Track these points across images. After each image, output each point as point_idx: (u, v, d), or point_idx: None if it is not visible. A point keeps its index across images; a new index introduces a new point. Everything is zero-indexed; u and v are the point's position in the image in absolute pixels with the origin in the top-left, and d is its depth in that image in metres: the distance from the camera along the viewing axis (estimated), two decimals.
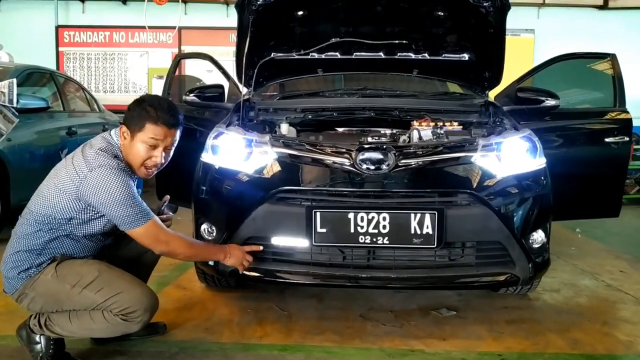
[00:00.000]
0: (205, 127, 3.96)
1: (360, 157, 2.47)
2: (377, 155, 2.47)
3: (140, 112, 2.17)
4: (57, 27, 8.79)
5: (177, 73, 5.08)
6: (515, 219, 2.55)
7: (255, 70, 3.31)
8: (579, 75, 4.88)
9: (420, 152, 2.55)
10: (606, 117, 4.04)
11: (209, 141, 2.83)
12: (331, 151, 2.54)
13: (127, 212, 2.07)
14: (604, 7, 8.67)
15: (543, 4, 8.59)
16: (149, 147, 2.18)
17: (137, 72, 8.86)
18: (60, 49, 8.85)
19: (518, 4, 8.54)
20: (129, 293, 2.10)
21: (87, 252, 2.23)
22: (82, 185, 2.06)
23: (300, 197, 2.50)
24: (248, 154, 2.66)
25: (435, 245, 2.42)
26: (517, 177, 2.61)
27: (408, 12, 3.30)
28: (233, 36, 8.68)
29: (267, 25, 3.26)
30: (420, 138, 2.91)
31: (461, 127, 3.06)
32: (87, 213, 2.12)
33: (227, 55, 8.65)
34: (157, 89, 8.83)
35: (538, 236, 2.67)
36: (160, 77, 8.78)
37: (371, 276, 2.49)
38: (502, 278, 2.57)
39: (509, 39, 8.67)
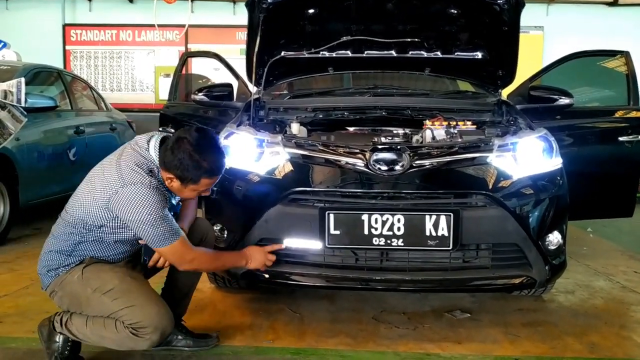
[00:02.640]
0: (213, 127, 3.95)
1: (374, 157, 2.43)
2: (391, 156, 2.43)
3: (193, 166, 2.07)
4: (64, 26, 8.81)
5: (184, 71, 5.06)
6: (531, 220, 2.50)
7: (266, 69, 3.25)
8: (589, 73, 4.82)
9: (435, 153, 2.51)
10: (620, 115, 3.99)
11: (220, 141, 2.79)
12: (344, 152, 2.50)
13: (154, 232, 2.05)
14: (614, 3, 8.61)
15: (552, 1, 8.54)
16: (198, 191, 2.19)
17: (144, 71, 8.86)
18: (67, 47, 8.87)
19: (527, 0, 8.48)
20: (143, 308, 2.06)
21: (119, 255, 2.21)
22: (112, 199, 2.04)
23: (313, 198, 2.46)
24: (259, 154, 2.63)
25: (450, 248, 2.38)
26: (534, 178, 2.57)
27: (420, 9, 3.26)
28: (240, 34, 8.69)
29: (278, 23, 3.23)
30: (433, 138, 2.87)
31: (475, 126, 3.01)
32: (117, 222, 2.10)
33: (234, 54, 8.63)
34: (164, 87, 8.82)
35: (554, 238, 2.62)
36: (167, 76, 8.76)
37: (385, 278, 2.45)
38: (518, 281, 2.52)
39: None
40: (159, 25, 8.56)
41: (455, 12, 3.23)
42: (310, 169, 2.53)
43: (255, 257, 2.39)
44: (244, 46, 9.02)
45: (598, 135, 4.04)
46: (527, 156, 2.61)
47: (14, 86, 4.72)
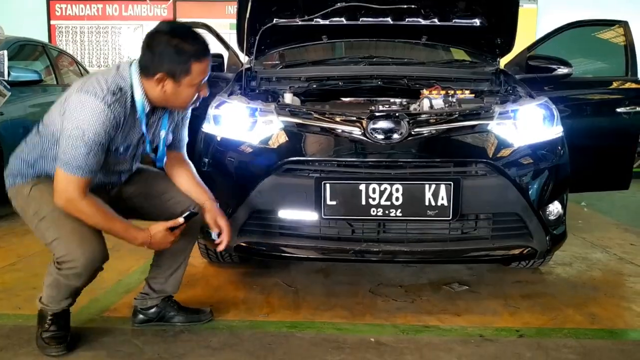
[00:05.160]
0: (203, 99, 3.84)
1: (372, 125, 2.35)
2: (389, 124, 2.34)
3: (176, 52, 1.89)
4: (49, 0, 8.57)
5: None
6: (532, 189, 2.44)
7: (257, 38, 3.15)
8: (585, 44, 4.73)
9: (434, 120, 2.43)
10: (617, 86, 3.92)
11: (211, 110, 2.69)
12: (341, 120, 2.42)
13: (69, 149, 1.87)
14: None
15: None
16: (196, 85, 1.99)
17: (131, 46, 8.66)
18: (52, 22, 8.65)
19: None
20: (67, 240, 1.95)
21: None
22: (65, 103, 1.93)
23: (308, 168, 2.38)
24: (252, 124, 2.53)
25: (450, 218, 2.32)
26: (535, 146, 2.50)
27: None
28: (230, 8, 8.51)
29: None
30: (431, 107, 2.79)
31: (473, 95, 2.93)
32: None
33: (224, 28, 8.45)
34: None
35: (555, 208, 2.57)
36: None
37: (383, 250, 2.39)
38: (518, 251, 2.47)
39: None
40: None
41: None
42: (305, 137, 2.44)
43: (157, 240, 2.09)
44: (234, 20, 8.84)
45: (595, 107, 3.97)
46: (528, 124, 2.53)
47: None
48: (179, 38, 1.90)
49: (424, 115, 2.47)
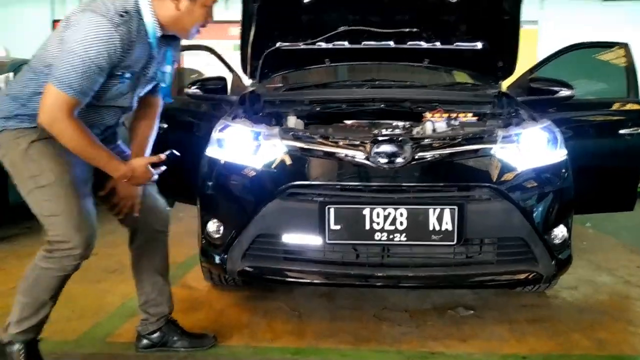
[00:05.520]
0: (206, 121, 3.85)
1: (375, 149, 2.35)
2: (392, 148, 2.34)
3: None
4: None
5: (176, 66, 4.93)
6: (537, 213, 2.43)
7: (260, 61, 3.17)
8: (586, 66, 4.76)
9: (438, 144, 2.43)
10: (619, 108, 3.93)
11: (215, 134, 2.70)
12: (344, 144, 2.42)
13: (67, 66, 1.76)
14: None
15: None
16: (209, 7, 1.96)
17: None
18: None
19: None
20: (66, 219, 1.89)
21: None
22: (67, 27, 1.81)
23: (312, 192, 2.38)
24: (256, 147, 2.53)
25: (455, 242, 2.30)
26: (539, 170, 2.49)
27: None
28: (233, 29, 8.58)
29: (272, 13, 3.14)
30: (434, 130, 2.79)
31: (476, 118, 2.93)
32: None
33: (227, 49, 8.50)
34: None
35: (560, 231, 2.55)
36: None
37: (387, 275, 2.37)
38: (524, 276, 2.44)
39: None
40: None
41: (455, 1, 3.14)
42: (309, 161, 2.44)
43: (136, 177, 2.02)
44: (237, 42, 8.89)
45: (598, 128, 3.98)
46: (531, 147, 2.53)
47: (2, 82, 4.61)
48: None
49: (427, 139, 2.47)
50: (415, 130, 2.81)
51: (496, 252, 2.41)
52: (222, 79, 3.74)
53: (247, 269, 2.44)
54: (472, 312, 2.80)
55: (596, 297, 3.11)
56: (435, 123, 2.82)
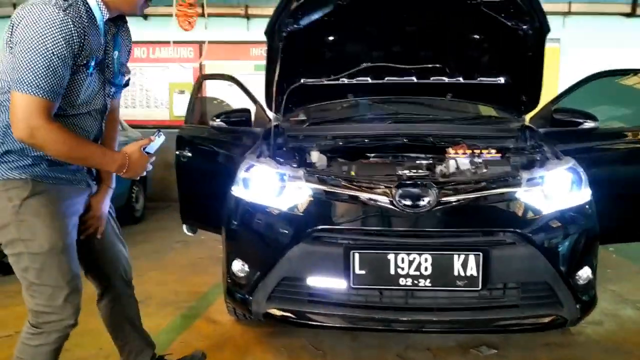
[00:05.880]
0: (227, 149, 3.91)
1: (400, 194, 2.37)
2: (417, 192, 2.36)
3: None
4: None
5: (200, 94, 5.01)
6: (562, 257, 2.43)
7: (284, 97, 3.21)
8: (606, 91, 4.73)
9: (462, 188, 2.44)
10: None
11: (240, 174, 2.75)
12: (368, 187, 2.44)
13: (26, 66, 1.60)
14: (631, 14, 8.47)
15: (569, 13, 8.41)
16: None
17: (158, 87, 8.86)
18: None
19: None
20: (55, 290, 1.79)
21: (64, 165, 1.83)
22: (13, 28, 1.66)
23: (337, 236, 2.41)
24: (281, 189, 2.57)
25: (480, 288, 2.31)
26: (563, 213, 2.49)
27: (442, 35, 3.20)
28: (254, 50, 8.67)
29: (297, 50, 3.18)
30: (457, 168, 2.81)
31: (499, 154, 2.93)
32: None
33: (248, 69, 8.61)
34: (178, 103, 8.82)
35: (585, 273, 2.54)
36: (182, 92, 8.77)
37: (411, 319, 2.39)
38: (548, 319, 2.44)
39: None
40: (176, 42, 8.60)
41: (478, 37, 3.17)
42: (334, 205, 2.48)
43: (134, 166, 1.89)
44: (259, 62, 9.02)
45: (624, 156, 3.93)
46: (556, 189, 2.53)
47: None
48: None
49: (451, 183, 2.48)
50: (438, 169, 2.83)
51: (520, 296, 2.41)
52: (246, 111, 3.81)
53: (273, 311, 2.47)
54: (495, 351, 2.79)
55: (621, 335, 3.08)
56: (459, 160, 2.84)
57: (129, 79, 2.07)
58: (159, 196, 7.74)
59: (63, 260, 1.81)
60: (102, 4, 1.78)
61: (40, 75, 1.61)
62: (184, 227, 4.37)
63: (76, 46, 1.68)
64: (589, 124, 3.45)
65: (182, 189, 4.26)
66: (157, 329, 3.13)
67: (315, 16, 3.02)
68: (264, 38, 7.56)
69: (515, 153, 2.99)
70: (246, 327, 3.10)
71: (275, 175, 2.61)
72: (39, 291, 1.79)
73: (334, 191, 2.48)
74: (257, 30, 8.86)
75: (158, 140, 1.97)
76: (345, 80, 3.33)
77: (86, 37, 1.72)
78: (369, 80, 3.34)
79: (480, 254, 2.28)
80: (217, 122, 3.74)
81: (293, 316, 2.45)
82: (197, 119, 4.79)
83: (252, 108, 4.11)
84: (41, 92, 1.62)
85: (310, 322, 2.46)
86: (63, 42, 1.63)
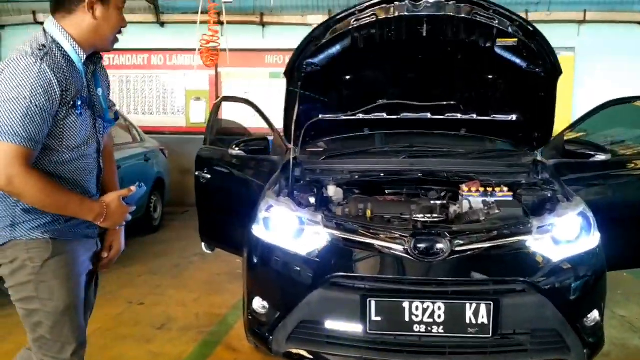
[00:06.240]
0: (240, 170, 4.03)
1: (415, 243, 2.47)
2: (431, 242, 2.47)
3: None
4: None
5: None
6: (571, 304, 2.53)
7: (302, 132, 3.32)
8: (621, 114, 4.76)
9: (475, 239, 2.54)
10: None
11: (261, 213, 2.87)
12: (385, 237, 2.54)
13: (3, 115, 1.66)
14: None
15: (584, 21, 8.39)
16: (121, 10, 1.91)
17: (175, 94, 8.99)
18: None
19: (558, 21, 8.38)
20: (64, 345, 1.86)
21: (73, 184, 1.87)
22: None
23: (354, 283, 2.52)
24: (300, 231, 2.69)
25: (490, 335, 2.42)
26: (573, 260, 2.58)
27: (456, 74, 3.28)
28: (269, 57, 8.77)
29: (315, 88, 3.28)
30: (471, 208, 2.91)
31: (511, 193, 3.02)
32: None
33: (263, 77, 8.72)
34: (194, 110, 8.95)
35: (592, 316, 2.64)
36: (198, 99, 8.91)
37: None
38: None
39: None
40: (191, 50, 8.72)
41: (492, 77, 3.25)
42: (352, 252, 2.59)
43: (112, 215, 1.89)
44: (274, 69, 9.11)
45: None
46: (565, 236, 2.62)
47: None
48: None
49: (465, 233, 2.57)
50: (452, 209, 2.93)
51: (530, 341, 2.51)
52: (265, 140, 3.94)
53: (292, 351, 2.59)
54: None
55: None
56: (472, 200, 2.94)
57: (117, 112, 2.12)
58: (176, 201, 7.89)
59: (75, 319, 1.90)
60: (77, 45, 1.83)
61: (18, 124, 1.66)
62: (203, 245, 4.53)
63: (57, 94, 1.73)
64: (600, 157, 3.52)
65: (201, 209, 4.40)
66: (181, 356, 3.28)
67: (333, 57, 3.11)
68: (279, 46, 7.85)
69: (526, 190, 3.08)
70: (264, 355, 3.22)
71: (295, 219, 2.72)
72: (48, 345, 1.87)
73: (351, 238, 2.59)
74: (273, 38, 9.00)
75: (139, 191, 1.96)
76: (362, 116, 3.43)
77: (68, 81, 1.77)
78: (385, 115, 3.44)
79: (492, 303, 2.39)
80: (236, 151, 3.87)
81: (311, 357, 2.57)
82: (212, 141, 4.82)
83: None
84: (19, 139, 1.66)
85: None
86: (41, 91, 1.69)
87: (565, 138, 3.83)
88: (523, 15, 8.25)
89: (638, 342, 3.54)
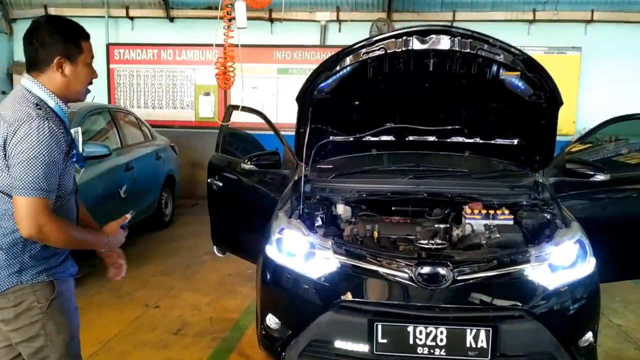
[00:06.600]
0: (246, 176, 4.19)
1: (419, 271, 2.64)
2: (434, 271, 2.63)
3: (65, 36, 1.99)
4: (108, 45, 9.08)
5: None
6: (565, 329, 2.69)
7: (313, 152, 3.47)
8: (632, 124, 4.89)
9: (476, 268, 2.70)
10: None
11: (274, 235, 3.04)
12: (391, 265, 2.71)
13: (28, 173, 1.84)
14: None
15: (591, 21, 8.43)
16: (90, 64, 2.08)
17: (184, 89, 9.12)
18: (111, 65, 9.16)
19: (564, 20, 8.44)
20: None
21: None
22: (9, 142, 1.87)
23: (362, 308, 2.69)
24: (310, 254, 2.86)
25: (489, 358, 2.59)
26: (569, 286, 2.74)
27: (462, 101, 3.42)
28: (277, 53, 8.87)
29: (325, 112, 3.42)
30: (472, 231, 3.08)
31: (512, 216, 3.18)
32: None
33: (271, 73, 8.83)
34: (203, 105, 9.07)
35: (587, 338, 2.81)
36: (207, 94, 9.03)
37: None
38: None
39: (554, 58, 8.60)
40: (198, 45, 8.83)
41: (496, 105, 3.38)
42: (360, 279, 2.75)
43: (114, 241, 2.18)
44: (282, 65, 9.21)
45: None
46: (562, 263, 2.78)
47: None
48: (59, 22, 2.03)
49: (466, 262, 2.73)
50: (455, 233, 3.10)
51: None
52: (276, 154, 4.09)
53: None
54: None
55: None
56: (474, 224, 3.11)
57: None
58: (186, 193, 8.09)
59: (76, 346, 2.11)
60: (59, 100, 2.01)
61: (41, 179, 1.85)
62: (215, 248, 4.72)
63: (63, 148, 1.92)
64: (599, 177, 3.67)
65: (213, 215, 4.58)
66: None
67: (343, 85, 3.25)
68: (287, 41, 8.00)
69: (527, 212, 3.24)
70: None
71: (306, 243, 2.89)
72: None
73: (360, 265, 2.76)
74: (281, 34, 9.08)
75: (131, 217, 2.26)
76: (370, 138, 3.58)
77: (64, 135, 1.95)
78: (392, 138, 3.58)
79: (490, 329, 2.56)
80: (249, 165, 4.04)
81: None
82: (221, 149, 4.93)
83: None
84: (42, 192, 1.86)
85: None
86: (55, 147, 1.88)
87: (567, 157, 3.98)
88: (530, 14, 8.43)
89: (633, 352, 3.71)
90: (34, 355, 2.02)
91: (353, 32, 8.75)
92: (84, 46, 2.04)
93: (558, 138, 3.42)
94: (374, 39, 3.01)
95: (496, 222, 3.13)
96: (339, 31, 8.96)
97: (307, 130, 3.40)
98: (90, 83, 2.10)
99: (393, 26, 8.46)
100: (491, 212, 3.19)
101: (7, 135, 1.87)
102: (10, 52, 9.48)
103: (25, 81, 2.01)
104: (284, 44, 8.86)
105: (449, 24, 8.58)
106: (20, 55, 8.82)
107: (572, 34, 8.47)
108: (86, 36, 2.06)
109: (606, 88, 8.40)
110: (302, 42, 8.91)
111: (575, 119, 8.45)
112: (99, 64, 8.49)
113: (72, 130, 4.96)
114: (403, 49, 2.96)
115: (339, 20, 8.88)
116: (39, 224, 1.85)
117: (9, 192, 1.89)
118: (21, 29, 9.33)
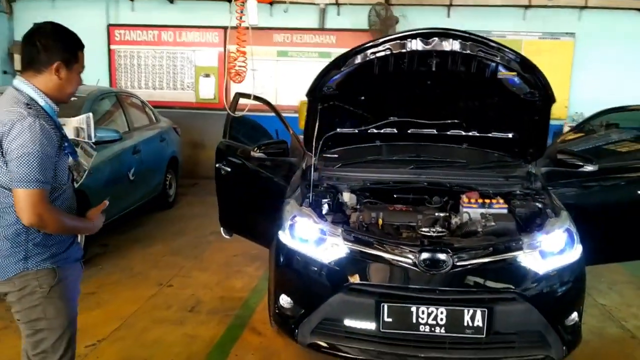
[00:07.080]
0: (252, 162, 4.41)
1: (422, 257, 2.90)
2: (436, 257, 2.90)
3: (67, 44, 2.19)
4: (109, 26, 9.18)
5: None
6: (553, 310, 2.97)
7: (321, 142, 3.70)
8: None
9: (473, 254, 2.96)
10: None
11: (286, 222, 3.28)
12: (396, 251, 2.97)
13: (24, 168, 2.01)
14: None
15: (585, 7, 8.62)
16: (80, 73, 2.28)
17: (185, 70, 9.25)
18: (112, 46, 9.26)
19: (559, 6, 8.61)
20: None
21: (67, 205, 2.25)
22: (5, 139, 2.04)
23: (369, 290, 2.96)
24: (321, 240, 3.11)
25: (484, 335, 2.87)
26: (557, 271, 3.01)
27: (461, 97, 3.65)
28: (277, 36, 9.01)
29: (333, 106, 3.65)
30: (470, 220, 3.34)
31: (506, 205, 3.44)
32: None
33: (271, 55, 8.98)
34: (203, 86, 9.22)
35: (572, 318, 3.09)
36: (207, 76, 9.17)
37: (427, 356, 2.95)
38: (539, 357, 2.99)
39: (548, 43, 8.78)
40: (199, 27, 8.94)
41: (492, 101, 3.62)
42: (367, 263, 3.01)
43: (98, 224, 2.36)
44: (282, 48, 9.38)
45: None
46: (551, 250, 3.05)
47: (84, 122, 5.18)
48: (62, 33, 2.21)
49: (465, 249, 2.99)
50: (454, 221, 3.36)
51: (517, 340, 2.96)
52: (284, 143, 4.31)
53: (316, 342, 3.05)
54: None
55: (603, 356, 3.64)
56: (471, 212, 3.37)
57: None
58: (187, 173, 8.31)
59: (73, 332, 2.30)
60: (49, 100, 2.18)
61: (36, 172, 2.02)
62: (222, 230, 4.94)
63: (55, 142, 2.10)
64: (588, 168, 3.92)
65: (221, 198, 4.80)
66: (214, 339, 3.75)
67: (350, 81, 3.47)
68: (287, 24, 8.15)
69: (520, 201, 3.50)
70: (287, 341, 3.66)
71: (317, 230, 3.14)
72: (48, 357, 2.24)
73: (367, 251, 3.01)
74: (280, 16, 9.19)
75: (107, 203, 2.46)
76: (374, 130, 3.81)
77: (55, 130, 2.14)
78: (395, 131, 3.82)
79: (486, 310, 2.84)
80: (258, 154, 4.25)
81: (331, 349, 3.03)
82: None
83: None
84: (39, 184, 2.03)
85: (346, 355, 3.04)
86: (47, 142, 2.05)
87: (558, 148, 4.23)
88: (526, 0, 8.58)
89: (615, 330, 4.01)
90: (33, 336, 2.22)
91: (352, 15, 8.90)
92: (80, 56, 2.25)
93: (550, 122, 3.65)
94: (381, 40, 3.22)
95: (492, 210, 3.38)
96: (338, 14, 9.09)
97: (317, 123, 3.62)
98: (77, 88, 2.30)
99: (391, 10, 8.61)
100: (487, 201, 3.45)
101: (2, 135, 2.04)
102: (10, 32, 9.54)
103: (16, 82, 2.18)
104: (283, 26, 8.99)
105: (447, 9, 8.75)
106: (20, 36, 8.89)
107: (566, 20, 8.66)
108: (82, 47, 2.26)
109: (598, 73, 8.61)
110: (302, 25, 9.04)
111: (568, 103, 8.70)
112: (99, 44, 8.73)
113: (84, 115, 5.18)
114: (407, 49, 3.18)
115: (337, 4, 9.00)
116: (39, 212, 2.03)
117: (9, 186, 2.07)
118: (21, 8, 9.41)
